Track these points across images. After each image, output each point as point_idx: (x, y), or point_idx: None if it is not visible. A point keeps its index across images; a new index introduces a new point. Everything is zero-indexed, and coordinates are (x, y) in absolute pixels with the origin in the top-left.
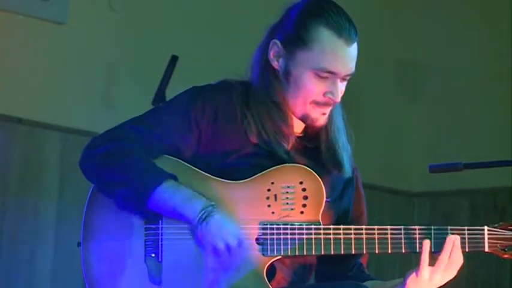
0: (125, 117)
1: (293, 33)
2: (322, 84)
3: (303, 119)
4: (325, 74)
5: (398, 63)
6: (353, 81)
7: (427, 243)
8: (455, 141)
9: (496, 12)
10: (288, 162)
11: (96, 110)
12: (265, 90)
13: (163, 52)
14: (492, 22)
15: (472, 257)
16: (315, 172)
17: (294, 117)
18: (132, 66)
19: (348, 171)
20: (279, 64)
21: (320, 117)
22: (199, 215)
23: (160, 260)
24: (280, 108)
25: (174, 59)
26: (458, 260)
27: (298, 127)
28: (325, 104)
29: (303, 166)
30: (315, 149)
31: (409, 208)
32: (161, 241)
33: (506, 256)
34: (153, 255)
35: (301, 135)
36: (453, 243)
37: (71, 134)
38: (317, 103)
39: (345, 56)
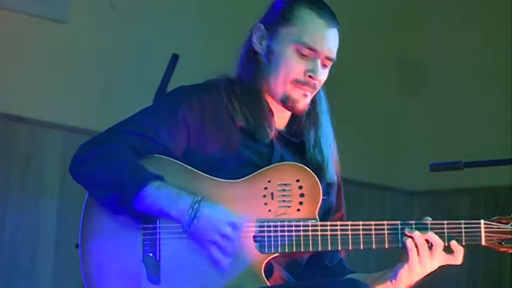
0: (125, 116)
1: (277, 15)
2: (303, 62)
3: (284, 100)
4: (306, 51)
5: (399, 61)
6: (354, 80)
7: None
8: (455, 140)
9: (497, 10)
10: (273, 153)
11: (97, 109)
12: (247, 76)
13: (164, 51)
14: (493, 21)
15: (473, 250)
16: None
17: (274, 109)
18: (133, 65)
19: (330, 177)
20: (262, 47)
21: (301, 99)
22: (187, 216)
23: (158, 259)
24: (260, 96)
25: (174, 58)
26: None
27: (281, 122)
28: (306, 84)
29: (299, 164)
30: (300, 144)
31: (409, 207)
32: (159, 240)
33: (502, 249)
34: (151, 254)
35: (284, 130)
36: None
37: (72, 132)
38: (297, 81)
39: (326, 36)
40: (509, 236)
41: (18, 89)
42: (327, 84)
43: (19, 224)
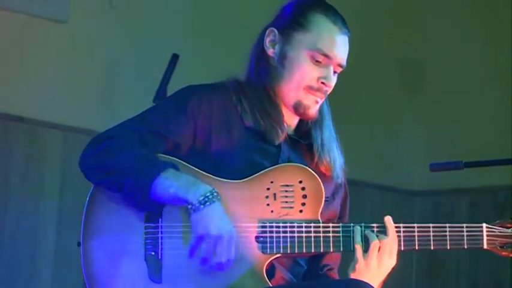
0: (126, 116)
1: (290, 19)
2: (317, 69)
3: (296, 106)
4: (321, 58)
5: (399, 60)
6: (354, 79)
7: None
8: (455, 140)
9: (497, 10)
10: (280, 154)
11: (97, 109)
12: (259, 79)
13: (164, 50)
14: (493, 20)
15: (474, 251)
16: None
17: (285, 112)
18: (133, 65)
19: (337, 176)
20: (274, 51)
21: (312, 105)
22: (203, 197)
23: (160, 258)
24: (272, 99)
25: (174, 58)
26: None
27: (291, 124)
28: (318, 90)
29: (302, 165)
30: (308, 146)
31: (409, 207)
32: (161, 239)
33: (504, 253)
34: (153, 253)
35: (293, 132)
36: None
37: (72, 132)
38: (310, 88)
39: (340, 43)
40: (511, 240)
41: (18, 89)
42: None
43: (19, 224)
